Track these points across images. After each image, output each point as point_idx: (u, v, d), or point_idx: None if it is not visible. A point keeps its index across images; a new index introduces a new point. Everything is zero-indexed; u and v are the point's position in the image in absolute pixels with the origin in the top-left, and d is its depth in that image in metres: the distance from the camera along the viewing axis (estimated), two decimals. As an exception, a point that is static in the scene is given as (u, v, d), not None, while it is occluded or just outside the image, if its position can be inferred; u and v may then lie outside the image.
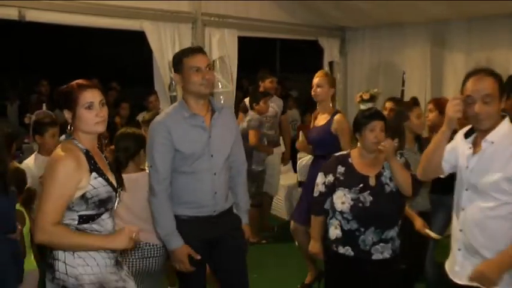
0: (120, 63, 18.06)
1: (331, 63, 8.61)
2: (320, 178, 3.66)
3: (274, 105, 6.78)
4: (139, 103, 7.68)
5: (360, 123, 3.57)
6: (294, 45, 11.77)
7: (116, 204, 2.87)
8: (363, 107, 5.82)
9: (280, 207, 7.60)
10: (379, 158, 3.57)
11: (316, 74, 5.19)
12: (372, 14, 7.38)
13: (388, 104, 4.75)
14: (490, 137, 2.80)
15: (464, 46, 7.04)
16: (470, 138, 2.93)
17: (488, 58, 6.37)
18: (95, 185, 2.69)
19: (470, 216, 2.85)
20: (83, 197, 2.65)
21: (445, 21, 7.17)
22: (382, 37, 8.02)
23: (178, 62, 3.36)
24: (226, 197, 3.56)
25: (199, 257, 3.35)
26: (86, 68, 12.61)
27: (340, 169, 3.58)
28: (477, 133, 2.89)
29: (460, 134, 3.03)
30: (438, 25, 7.28)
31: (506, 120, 2.83)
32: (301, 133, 5.95)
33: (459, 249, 2.94)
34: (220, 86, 6.83)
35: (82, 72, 4.37)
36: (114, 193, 2.82)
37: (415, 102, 4.63)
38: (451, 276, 3.00)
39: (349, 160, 3.61)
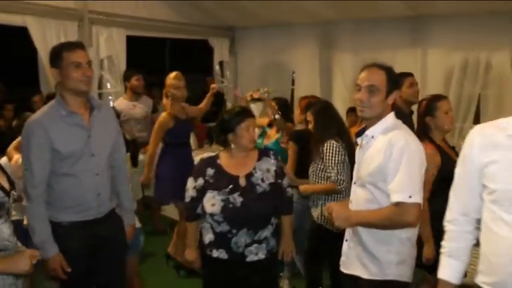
0: (3, 61, 17.00)
1: (221, 63, 8.59)
2: (190, 183, 3.49)
3: (144, 105, 6.46)
4: (26, 104, 7.23)
5: (233, 122, 3.42)
6: (184, 45, 11.65)
7: (10, 207, 2.71)
8: (253, 106, 5.85)
9: (169, 207, 7.36)
10: (250, 158, 3.48)
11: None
12: (261, 14, 7.44)
13: (309, 116, 4.67)
14: (371, 131, 2.91)
15: (352, 47, 7.29)
16: (362, 136, 3.04)
17: (374, 59, 6.44)
18: None
19: (356, 207, 2.97)
20: None
21: (333, 22, 7.36)
22: (272, 37, 8.09)
23: (58, 56, 3.14)
24: (110, 198, 3.43)
25: (69, 270, 3.17)
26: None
27: (210, 171, 3.44)
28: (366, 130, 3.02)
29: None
30: (326, 26, 7.48)
31: (391, 115, 2.93)
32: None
33: (346, 240, 3.08)
34: (108, 86, 6.59)
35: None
36: (7, 197, 2.65)
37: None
38: (340, 266, 3.14)
39: (218, 161, 3.48)
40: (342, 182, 4.00)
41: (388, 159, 2.75)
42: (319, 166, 4.23)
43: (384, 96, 2.84)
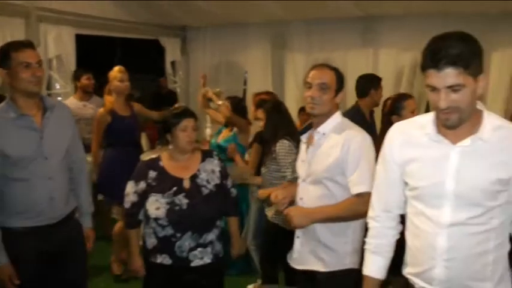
0: None
1: (173, 63, 8.51)
2: (130, 187, 3.37)
3: (94, 105, 6.21)
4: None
5: (170, 122, 3.35)
6: (135, 45, 11.48)
7: None
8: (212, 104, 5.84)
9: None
10: (193, 159, 3.43)
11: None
12: (212, 13, 7.37)
13: (260, 114, 4.65)
14: (322, 128, 3.00)
15: (304, 47, 7.33)
16: (306, 134, 3.14)
17: (326, 59, 6.58)
18: None
19: (308, 204, 3.00)
20: None
21: (285, 22, 7.38)
22: (224, 37, 8.05)
23: (6, 56, 3.04)
24: (66, 202, 3.32)
25: (18, 282, 3.08)
26: None
27: (152, 174, 3.34)
28: (313, 127, 3.09)
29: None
30: (279, 26, 7.49)
31: (338, 113, 3.05)
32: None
33: (297, 237, 3.12)
34: (57, 87, 6.40)
35: None
36: None
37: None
38: (291, 263, 3.18)
39: (160, 163, 3.39)
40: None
41: (347, 153, 2.87)
42: (272, 166, 4.22)
43: (333, 95, 2.98)
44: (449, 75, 1.98)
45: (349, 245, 3.00)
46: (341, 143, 2.90)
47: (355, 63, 6.83)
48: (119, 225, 5.25)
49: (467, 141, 2.11)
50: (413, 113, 3.96)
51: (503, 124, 2.17)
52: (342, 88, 3.02)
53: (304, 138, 3.15)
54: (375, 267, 2.45)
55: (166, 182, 3.31)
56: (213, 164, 3.45)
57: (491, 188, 2.09)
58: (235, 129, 5.35)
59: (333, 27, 7.01)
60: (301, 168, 3.13)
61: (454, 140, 2.14)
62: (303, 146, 3.16)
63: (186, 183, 3.33)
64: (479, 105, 2.16)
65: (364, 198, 2.76)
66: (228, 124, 5.45)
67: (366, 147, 2.94)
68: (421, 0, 5.93)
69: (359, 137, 2.94)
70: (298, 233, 3.11)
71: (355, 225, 2.98)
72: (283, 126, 4.25)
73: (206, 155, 3.50)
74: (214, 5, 6.99)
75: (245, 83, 8.09)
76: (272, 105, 4.48)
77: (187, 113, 3.40)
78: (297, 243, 3.13)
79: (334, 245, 2.99)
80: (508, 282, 2.24)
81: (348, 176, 2.88)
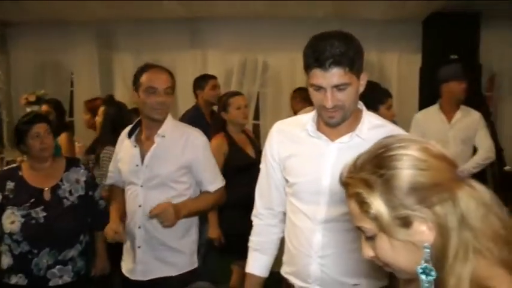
0: None
1: (-10, 62, 7.87)
2: None
3: None
4: None
5: (21, 131, 3.15)
6: None
7: None
8: (28, 109, 5.45)
9: None
10: (56, 168, 3.23)
11: None
12: (34, 9, 6.88)
13: (100, 117, 4.38)
14: (162, 131, 2.99)
15: (132, 47, 7.14)
16: (133, 138, 3.07)
17: (155, 60, 6.43)
18: None
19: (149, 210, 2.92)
20: None
21: (112, 21, 7.15)
22: (48, 35, 7.51)
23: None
24: None
25: None
26: None
27: (10, 185, 3.11)
28: (144, 129, 3.06)
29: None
30: (105, 25, 7.22)
31: (169, 114, 3.08)
32: None
33: (139, 247, 3.00)
34: None
35: None
36: None
37: None
38: (131, 276, 3.05)
39: (20, 173, 3.17)
40: None
41: (193, 153, 2.97)
42: (99, 172, 4.04)
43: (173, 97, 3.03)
44: (336, 74, 1.99)
45: (195, 244, 3.09)
46: (183, 144, 2.94)
47: (183, 65, 6.85)
48: None
49: (345, 138, 2.17)
50: (239, 109, 4.15)
51: (382, 123, 2.25)
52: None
53: (133, 142, 3.05)
54: (257, 264, 2.45)
55: (24, 194, 3.08)
56: (78, 174, 3.24)
57: None
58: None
59: (161, 28, 6.93)
60: (136, 174, 3.01)
61: (333, 137, 2.19)
62: (132, 151, 3.04)
63: (46, 195, 3.11)
64: (359, 104, 2.21)
65: (221, 191, 3.12)
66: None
67: (207, 145, 3.12)
68: (247, 1, 6.04)
69: (201, 137, 3.06)
70: (139, 242, 2.99)
71: (195, 223, 3.06)
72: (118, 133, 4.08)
73: (71, 163, 3.28)
74: (34, 1, 6.54)
75: (72, 84, 7.70)
76: (114, 110, 4.27)
77: (37, 118, 3.18)
78: (139, 253, 3.01)
79: (182, 247, 3.01)
80: (385, 277, 2.27)
81: (199, 175, 2.98)
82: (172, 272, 3.00)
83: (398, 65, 7.00)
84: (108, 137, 4.04)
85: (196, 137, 3.04)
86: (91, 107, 4.96)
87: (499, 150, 6.33)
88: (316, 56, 1.99)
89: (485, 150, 4.76)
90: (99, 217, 3.34)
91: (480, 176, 6.62)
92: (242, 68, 7.05)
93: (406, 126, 6.42)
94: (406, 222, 1.17)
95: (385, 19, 6.71)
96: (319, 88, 2.05)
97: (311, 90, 2.09)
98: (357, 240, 2.15)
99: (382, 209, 1.18)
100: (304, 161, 2.23)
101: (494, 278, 1.12)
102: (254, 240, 2.48)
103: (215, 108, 5.22)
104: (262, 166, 2.45)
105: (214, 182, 3.09)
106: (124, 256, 3.15)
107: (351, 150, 2.10)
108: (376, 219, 1.19)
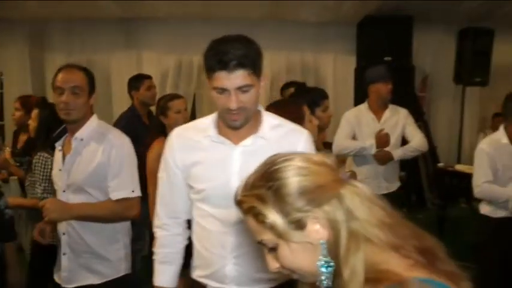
0: None
1: None
2: None
3: None
4: None
5: None
6: None
7: None
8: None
9: None
10: None
11: None
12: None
13: (33, 121, 4.19)
14: (79, 134, 2.87)
15: (65, 47, 6.97)
16: (61, 141, 2.99)
17: (89, 60, 6.41)
18: None
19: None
20: None
21: (44, 20, 6.95)
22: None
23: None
24: None
25: None
26: None
27: None
28: (68, 134, 2.96)
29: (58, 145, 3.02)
30: (37, 24, 7.01)
31: (94, 117, 2.95)
32: None
33: (64, 254, 2.93)
34: None
35: None
36: None
37: None
38: (62, 283, 2.96)
39: None
40: None
41: (108, 158, 2.81)
42: (31, 179, 3.89)
43: (87, 98, 2.85)
44: (240, 76, 1.99)
45: (122, 251, 2.96)
46: (102, 148, 2.82)
47: (118, 65, 6.75)
48: None
49: (248, 141, 2.17)
50: (180, 113, 4.01)
51: (281, 123, 2.27)
52: (94, 90, 2.91)
53: (59, 145, 2.97)
54: (167, 277, 2.38)
55: None
56: None
57: None
58: None
59: (96, 28, 6.82)
60: (59, 178, 2.93)
61: (236, 141, 2.18)
62: (58, 154, 2.96)
63: None
64: (258, 106, 2.21)
65: (127, 202, 2.84)
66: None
67: (128, 152, 2.92)
68: (183, 1, 6.00)
69: (119, 142, 2.89)
70: (64, 249, 2.91)
71: (123, 229, 2.96)
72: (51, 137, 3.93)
73: None
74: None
75: (1, 86, 7.44)
76: (50, 111, 4.10)
77: None
78: (64, 260, 2.92)
79: (108, 254, 2.90)
80: None
81: (109, 181, 2.82)
82: (97, 280, 2.91)
83: (334, 67, 7.16)
84: (42, 142, 3.90)
85: (115, 141, 2.90)
86: (23, 103, 4.78)
87: (432, 148, 6.53)
88: (219, 58, 1.99)
89: (418, 141, 4.84)
90: (5, 228, 3.14)
91: (415, 172, 6.87)
92: (178, 69, 7.03)
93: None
94: (300, 225, 1.26)
95: (320, 21, 6.83)
96: (223, 91, 2.04)
97: (214, 93, 2.09)
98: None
99: (276, 217, 1.26)
100: (210, 167, 2.21)
101: (385, 261, 1.21)
102: (160, 252, 2.41)
103: (153, 108, 5.16)
104: (162, 174, 2.38)
105: (119, 189, 2.85)
106: (57, 262, 3.07)
107: (255, 152, 2.14)
108: (272, 228, 1.28)
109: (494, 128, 7.05)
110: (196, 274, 2.36)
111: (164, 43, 6.83)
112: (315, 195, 1.25)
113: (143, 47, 6.95)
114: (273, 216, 1.26)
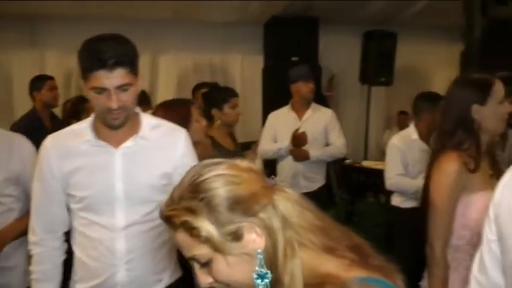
0: None
1: None
2: None
3: None
4: None
5: None
6: None
7: None
8: None
9: None
10: None
11: None
12: None
13: None
14: None
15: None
16: None
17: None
18: None
19: None
20: None
21: None
22: None
23: None
24: None
25: None
26: None
27: None
28: None
29: None
30: None
31: None
32: None
33: None
34: None
35: None
36: None
37: None
38: None
39: None
40: None
41: (20, 163, 2.65)
42: None
43: None
44: (120, 75, 1.95)
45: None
46: (7, 153, 2.66)
47: (21, 65, 6.49)
48: None
49: (129, 143, 2.14)
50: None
51: (159, 123, 2.26)
52: None
53: None
54: None
55: None
56: None
57: (158, 183, 2.14)
58: None
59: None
60: None
61: (116, 144, 2.14)
62: None
63: None
64: (136, 108, 2.19)
65: None
66: None
67: (35, 155, 2.69)
68: (89, 0, 5.91)
69: (26, 144, 2.74)
70: None
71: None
72: None
73: None
74: None
75: None
76: None
77: None
78: None
79: (14, 262, 2.72)
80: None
81: (28, 188, 2.62)
82: None
83: (242, 67, 7.23)
84: None
85: (21, 145, 2.75)
86: None
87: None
88: (98, 57, 1.94)
89: (337, 147, 4.94)
90: None
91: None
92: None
93: (251, 125, 6.72)
94: (237, 236, 1.21)
95: (227, 22, 6.85)
96: (102, 90, 1.99)
97: (92, 94, 2.02)
98: (159, 236, 2.19)
99: (211, 230, 1.20)
100: (90, 173, 2.14)
101: (323, 264, 1.20)
102: (38, 270, 2.26)
103: (55, 110, 5.06)
104: (36, 186, 2.25)
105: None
106: None
107: (137, 153, 2.15)
108: (208, 241, 1.21)
109: (400, 125, 7.38)
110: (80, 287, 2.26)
111: (68, 42, 6.35)
112: (249, 204, 1.20)
113: (47, 46, 6.69)
114: (208, 229, 1.20)
